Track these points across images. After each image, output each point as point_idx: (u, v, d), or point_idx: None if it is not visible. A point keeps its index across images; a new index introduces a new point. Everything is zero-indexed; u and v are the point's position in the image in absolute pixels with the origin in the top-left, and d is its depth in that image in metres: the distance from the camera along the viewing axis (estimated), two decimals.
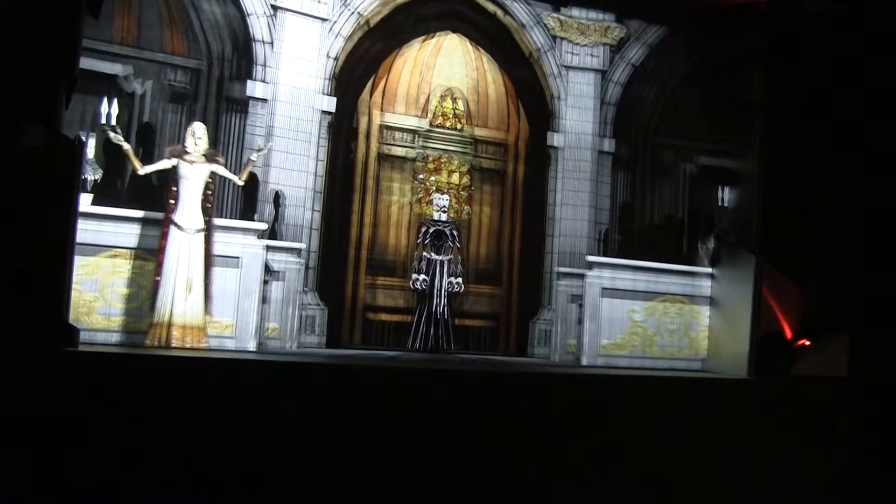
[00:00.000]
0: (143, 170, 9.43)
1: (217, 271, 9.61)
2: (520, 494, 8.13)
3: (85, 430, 6.91)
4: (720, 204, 11.84)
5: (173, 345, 9.14)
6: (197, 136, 9.60)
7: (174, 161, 9.46)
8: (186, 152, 9.52)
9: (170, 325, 9.21)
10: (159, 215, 9.38)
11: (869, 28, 10.24)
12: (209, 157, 9.63)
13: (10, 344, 6.87)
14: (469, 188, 12.23)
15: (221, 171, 9.72)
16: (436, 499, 7.86)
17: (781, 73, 10.41)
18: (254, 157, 10.06)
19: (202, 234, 9.44)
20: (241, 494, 7.31)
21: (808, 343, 10.09)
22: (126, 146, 9.38)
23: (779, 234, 10.42)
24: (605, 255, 11.84)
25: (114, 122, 9.67)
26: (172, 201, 9.39)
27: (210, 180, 9.58)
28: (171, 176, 9.48)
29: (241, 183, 9.94)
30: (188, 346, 9.23)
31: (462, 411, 8.10)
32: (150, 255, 9.35)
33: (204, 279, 9.44)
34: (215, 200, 9.76)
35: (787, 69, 10.38)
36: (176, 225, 9.31)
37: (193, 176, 9.46)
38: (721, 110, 11.51)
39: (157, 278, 9.26)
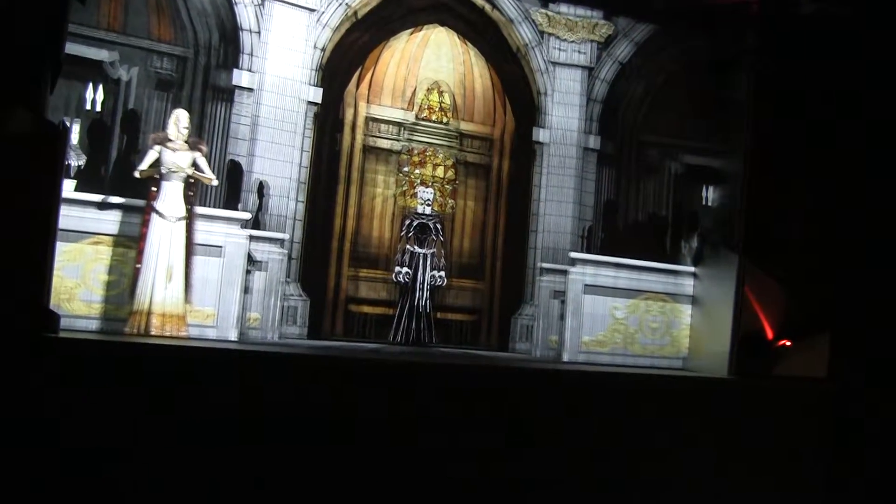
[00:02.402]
0: (138, 171, 9.37)
1: (200, 260, 9.59)
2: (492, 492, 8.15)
3: (63, 417, 6.90)
4: (704, 203, 11.87)
5: (153, 333, 9.11)
6: (181, 124, 9.57)
7: (158, 149, 9.41)
8: (169, 139, 9.48)
9: (149, 313, 9.17)
10: (142, 202, 9.34)
11: (859, 33, 10.26)
12: (192, 145, 9.58)
13: None
14: (454, 182, 12.21)
15: (202, 162, 9.65)
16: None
17: (769, 74, 10.44)
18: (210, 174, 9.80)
19: (184, 223, 9.40)
20: (220, 483, 7.31)
21: (788, 343, 10.13)
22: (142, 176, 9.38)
23: (761, 235, 10.45)
24: (588, 251, 11.86)
25: (98, 108, 9.66)
26: (154, 188, 9.35)
27: (192, 168, 9.54)
28: (153, 163, 9.44)
29: (215, 183, 9.89)
30: (167, 334, 9.19)
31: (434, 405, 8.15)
32: (132, 243, 9.32)
33: (185, 268, 9.40)
34: (198, 189, 9.70)
35: (775, 71, 10.40)
36: (157, 212, 9.27)
37: (176, 161, 9.41)
38: (707, 110, 11.55)
39: (138, 266, 9.21)
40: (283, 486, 7.51)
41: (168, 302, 9.26)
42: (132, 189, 9.50)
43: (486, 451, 8.13)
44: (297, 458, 7.57)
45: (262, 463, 7.47)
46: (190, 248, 9.45)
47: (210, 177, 9.70)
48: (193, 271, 9.50)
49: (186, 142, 9.54)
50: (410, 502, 7.95)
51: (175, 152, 9.43)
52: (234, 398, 7.52)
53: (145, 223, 9.27)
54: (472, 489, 8.03)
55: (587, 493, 8.43)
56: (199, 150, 9.61)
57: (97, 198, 9.30)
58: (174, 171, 9.36)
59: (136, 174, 9.36)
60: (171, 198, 9.36)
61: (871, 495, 9.37)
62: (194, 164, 9.53)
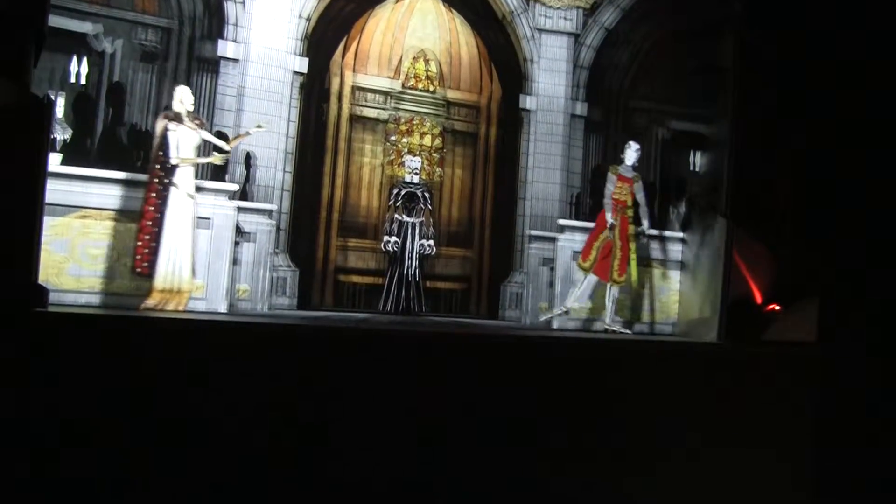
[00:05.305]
0: (178, 159, 9.38)
1: None
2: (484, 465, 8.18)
3: (53, 391, 6.90)
4: (692, 169, 11.85)
5: (181, 309, 9.30)
6: (187, 102, 9.56)
7: (174, 126, 9.42)
8: (180, 116, 9.49)
9: (179, 290, 9.31)
10: (131, 175, 9.40)
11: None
12: (198, 123, 9.65)
13: None
14: (441, 150, 12.19)
15: (208, 136, 9.72)
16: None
17: (756, 40, 10.39)
18: (252, 131, 10.15)
19: (194, 199, 9.45)
20: (208, 465, 7.32)
21: (778, 308, 10.14)
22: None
23: (749, 200, 10.44)
24: (576, 218, 11.86)
25: (83, 80, 9.63)
26: (158, 166, 9.34)
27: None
28: (159, 140, 9.44)
29: (228, 149, 9.94)
30: (181, 309, 9.35)
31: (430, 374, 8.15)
32: (120, 216, 9.32)
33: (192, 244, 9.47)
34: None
35: (761, 37, 10.36)
36: (177, 188, 9.31)
37: (190, 141, 9.46)
38: (694, 75, 11.51)
39: (152, 244, 9.27)
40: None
41: (184, 278, 9.38)
42: (118, 162, 9.49)
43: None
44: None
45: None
46: (194, 222, 9.51)
47: (228, 148, 9.90)
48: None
49: (193, 120, 9.60)
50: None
51: (193, 130, 9.48)
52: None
53: (152, 202, 9.31)
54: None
55: (577, 460, 8.46)
56: (204, 127, 9.70)
57: (84, 171, 9.28)
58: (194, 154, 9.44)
59: (176, 161, 9.36)
60: (187, 175, 9.41)
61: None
62: (202, 140, 9.59)
